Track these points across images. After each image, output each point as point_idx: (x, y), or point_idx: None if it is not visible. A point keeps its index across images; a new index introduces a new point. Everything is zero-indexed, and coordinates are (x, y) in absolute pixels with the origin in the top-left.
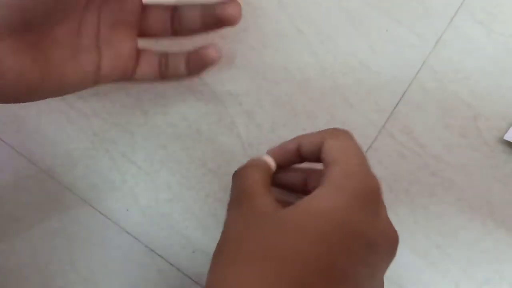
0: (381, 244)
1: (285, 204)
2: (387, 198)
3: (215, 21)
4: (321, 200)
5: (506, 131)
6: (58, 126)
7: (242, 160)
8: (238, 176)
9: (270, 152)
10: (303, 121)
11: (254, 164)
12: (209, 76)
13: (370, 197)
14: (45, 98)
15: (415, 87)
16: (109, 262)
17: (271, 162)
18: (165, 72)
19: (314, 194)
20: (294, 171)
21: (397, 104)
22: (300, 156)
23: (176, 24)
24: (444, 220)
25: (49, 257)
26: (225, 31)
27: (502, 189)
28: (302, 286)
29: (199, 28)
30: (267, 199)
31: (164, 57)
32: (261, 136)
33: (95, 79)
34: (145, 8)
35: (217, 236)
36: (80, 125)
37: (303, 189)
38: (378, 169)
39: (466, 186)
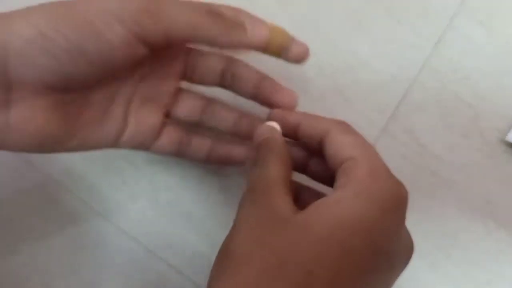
0: (402, 258)
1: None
2: None
3: (247, 129)
4: (346, 205)
5: (507, 131)
6: None
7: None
8: (259, 165)
9: (273, 117)
10: None
11: (277, 149)
12: None
13: (399, 204)
14: (61, 152)
15: (416, 87)
16: (109, 263)
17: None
18: (183, 152)
19: (336, 197)
20: (296, 147)
21: (398, 105)
22: (295, 133)
23: (207, 116)
24: (445, 221)
25: (49, 258)
26: None
27: (503, 189)
28: None
29: (229, 128)
30: (289, 199)
31: (187, 137)
32: None
33: (113, 145)
34: (181, 91)
35: (217, 238)
36: None
37: (303, 169)
38: None
39: (467, 187)
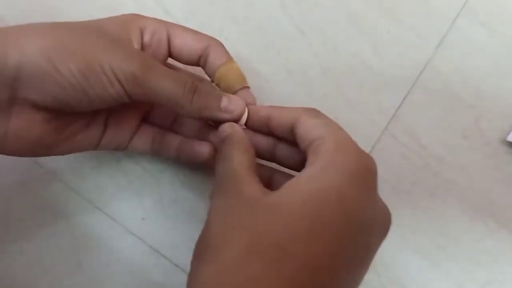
0: (377, 225)
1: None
2: (390, 198)
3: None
4: (315, 179)
5: (508, 132)
6: None
7: None
8: (222, 158)
9: (244, 107)
10: None
11: (237, 142)
12: None
13: (367, 174)
14: (45, 156)
15: (418, 88)
16: (114, 262)
17: (245, 116)
18: (156, 149)
19: (306, 173)
20: (261, 136)
21: (399, 105)
22: (267, 126)
23: (177, 123)
24: (446, 221)
25: (56, 257)
26: (227, 33)
27: (504, 189)
28: (305, 277)
29: (193, 134)
30: (255, 183)
31: (160, 135)
32: None
33: (94, 148)
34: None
35: None
36: None
37: (270, 157)
38: (380, 170)
39: (468, 187)
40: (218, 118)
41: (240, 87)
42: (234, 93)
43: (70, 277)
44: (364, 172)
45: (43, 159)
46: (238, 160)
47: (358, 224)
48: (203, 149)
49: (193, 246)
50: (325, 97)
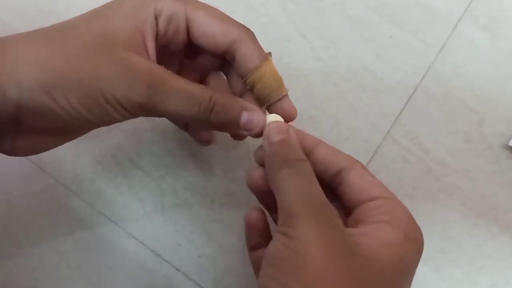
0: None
1: None
2: None
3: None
4: (400, 249)
5: (510, 137)
6: None
7: (247, 166)
8: (298, 176)
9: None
10: (308, 126)
11: (303, 159)
12: None
13: (422, 247)
14: None
15: (420, 92)
16: (116, 266)
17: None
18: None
19: (394, 240)
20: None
21: (401, 110)
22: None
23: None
24: (449, 225)
25: (58, 261)
26: None
27: (506, 194)
28: None
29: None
30: (340, 220)
31: None
32: None
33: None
34: None
35: (223, 241)
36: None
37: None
38: (382, 174)
39: (471, 191)
40: (239, 134)
41: (277, 97)
42: (272, 104)
43: (72, 282)
44: (422, 248)
45: (45, 164)
46: (319, 186)
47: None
48: (205, 136)
49: (194, 250)
50: (327, 102)
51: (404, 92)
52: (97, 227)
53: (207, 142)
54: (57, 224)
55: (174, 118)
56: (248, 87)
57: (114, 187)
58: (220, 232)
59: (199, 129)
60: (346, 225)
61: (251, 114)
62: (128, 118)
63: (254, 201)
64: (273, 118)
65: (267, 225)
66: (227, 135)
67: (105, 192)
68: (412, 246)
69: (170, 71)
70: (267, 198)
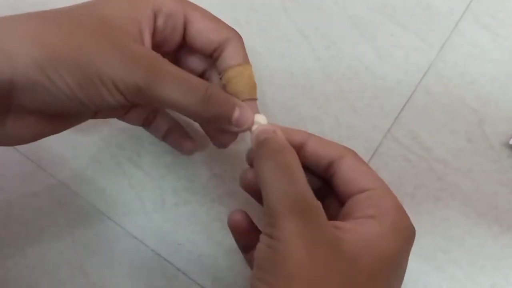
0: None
1: None
2: None
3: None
4: (386, 243)
5: (511, 136)
6: (66, 132)
7: (247, 165)
8: (281, 175)
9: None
10: (309, 126)
11: (293, 154)
12: None
13: (413, 236)
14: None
15: (420, 91)
16: (117, 266)
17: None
18: (146, 126)
19: (378, 233)
20: (294, 132)
21: (402, 109)
22: (298, 152)
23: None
24: (450, 225)
25: (58, 261)
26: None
27: (507, 193)
28: None
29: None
30: (324, 215)
31: (152, 115)
32: None
33: (92, 117)
34: None
35: (223, 240)
36: (87, 131)
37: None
38: (383, 174)
39: (472, 191)
40: (226, 129)
41: (247, 97)
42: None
43: (72, 281)
44: (412, 234)
45: (45, 163)
46: (303, 181)
47: (400, 279)
48: (187, 145)
49: (195, 249)
50: (328, 101)
51: (404, 92)
52: (97, 226)
53: (189, 151)
54: (57, 224)
55: (168, 106)
56: (223, 82)
57: (114, 187)
58: (220, 231)
59: (180, 137)
60: (338, 218)
61: (242, 111)
62: (121, 104)
63: (254, 201)
64: (259, 118)
65: (253, 226)
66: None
67: (105, 191)
68: (400, 238)
69: (167, 60)
70: (245, 240)
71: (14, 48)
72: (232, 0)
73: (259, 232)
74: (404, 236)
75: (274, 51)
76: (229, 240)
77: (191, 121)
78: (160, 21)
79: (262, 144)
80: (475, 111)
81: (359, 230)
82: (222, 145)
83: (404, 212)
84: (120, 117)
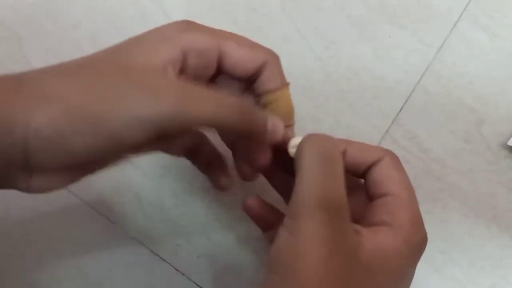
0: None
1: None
2: None
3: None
4: (399, 257)
5: (509, 136)
6: None
7: None
8: (323, 172)
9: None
10: (308, 126)
11: (340, 159)
12: None
13: (423, 249)
14: None
15: (419, 92)
16: (115, 266)
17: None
18: (191, 156)
19: (392, 246)
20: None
21: (400, 109)
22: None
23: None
24: (448, 225)
25: (56, 261)
26: None
27: (506, 194)
28: None
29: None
30: (349, 218)
31: (197, 146)
32: None
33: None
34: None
35: (222, 241)
36: None
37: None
38: None
39: (470, 191)
40: (261, 140)
41: (285, 124)
42: None
43: (70, 282)
44: (422, 249)
45: None
46: (341, 180)
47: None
48: (224, 180)
49: (193, 251)
50: (327, 101)
51: (403, 92)
52: (96, 227)
53: (223, 187)
54: (56, 225)
55: (201, 123)
56: (260, 106)
57: (113, 188)
58: (219, 232)
59: (220, 170)
60: (359, 218)
61: (274, 121)
62: (149, 140)
63: None
64: (298, 140)
65: (268, 208)
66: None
67: (104, 192)
68: (414, 253)
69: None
70: (262, 222)
71: (29, 98)
72: (231, 0)
73: (277, 212)
74: (417, 249)
75: (273, 51)
76: (228, 241)
77: None
78: (191, 60)
79: (311, 136)
80: (474, 112)
81: (375, 239)
82: (246, 176)
83: (421, 224)
84: (162, 150)
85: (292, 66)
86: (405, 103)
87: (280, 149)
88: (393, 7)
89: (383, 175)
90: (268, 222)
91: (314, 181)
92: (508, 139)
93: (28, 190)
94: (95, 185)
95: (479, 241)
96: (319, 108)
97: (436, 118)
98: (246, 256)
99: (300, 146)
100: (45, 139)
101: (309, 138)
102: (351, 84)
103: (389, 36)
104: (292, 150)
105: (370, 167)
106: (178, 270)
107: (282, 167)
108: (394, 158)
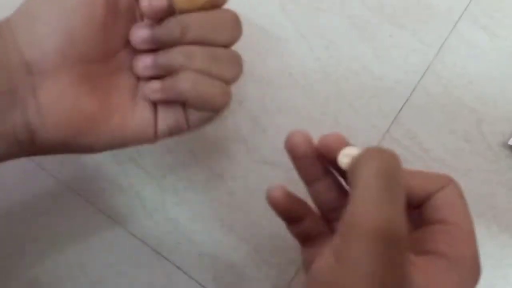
0: None
1: None
2: None
3: None
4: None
5: (510, 136)
6: None
7: (246, 165)
8: (394, 181)
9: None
10: (308, 126)
11: (402, 180)
12: None
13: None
14: (109, 143)
15: (419, 92)
16: (117, 265)
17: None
18: None
19: (450, 280)
20: None
21: (401, 109)
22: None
23: None
24: None
25: (58, 260)
26: None
27: (506, 194)
28: None
29: None
30: (407, 251)
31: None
32: (266, 141)
33: (153, 130)
34: None
35: (224, 240)
36: None
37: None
38: None
39: (470, 191)
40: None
41: None
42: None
43: (72, 280)
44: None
45: (44, 162)
46: (402, 207)
47: None
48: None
49: (195, 249)
50: (327, 101)
51: (403, 92)
52: (98, 225)
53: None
54: (57, 223)
55: None
56: None
57: (115, 186)
58: (221, 230)
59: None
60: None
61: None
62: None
63: (254, 201)
64: (352, 150)
65: (295, 200)
66: (226, 137)
67: (106, 190)
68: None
69: None
70: (287, 215)
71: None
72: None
73: (304, 205)
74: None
75: (272, 51)
76: (230, 240)
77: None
78: None
79: (373, 150)
80: (474, 111)
81: (430, 271)
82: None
83: (479, 264)
84: (187, 128)
85: (292, 66)
86: (405, 103)
87: (327, 157)
88: (393, 7)
89: (445, 201)
90: (294, 216)
91: (373, 204)
92: (509, 138)
93: (38, 110)
94: (97, 183)
95: (479, 241)
96: (319, 108)
97: (437, 118)
98: (247, 254)
99: (359, 160)
100: (24, 19)
101: (371, 153)
102: (350, 84)
103: (389, 36)
104: (343, 159)
105: (428, 196)
106: (179, 269)
107: (327, 173)
108: (457, 185)
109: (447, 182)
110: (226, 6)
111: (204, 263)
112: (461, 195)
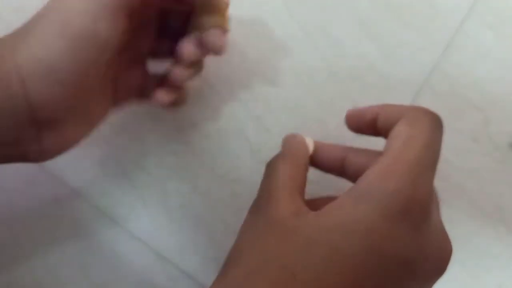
0: (422, 267)
1: (317, 204)
2: None
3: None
4: (343, 212)
5: None
6: None
7: (250, 166)
8: (268, 171)
9: (347, 115)
10: (312, 125)
11: (290, 154)
12: (218, 82)
13: (409, 209)
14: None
15: (425, 91)
16: (120, 267)
17: (310, 146)
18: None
19: (339, 203)
20: (333, 149)
21: None
22: (375, 128)
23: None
24: (455, 226)
25: (60, 262)
26: (233, 36)
27: None
28: None
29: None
30: (290, 204)
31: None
32: (270, 141)
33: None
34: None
35: (227, 242)
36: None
37: (340, 171)
38: None
39: (477, 191)
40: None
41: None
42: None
43: (74, 282)
44: (404, 206)
45: (48, 165)
46: (284, 177)
47: (389, 263)
48: (162, 97)
49: (198, 252)
50: (332, 100)
51: (409, 91)
52: (101, 228)
53: (166, 104)
54: (60, 225)
55: None
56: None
57: (118, 188)
58: (224, 233)
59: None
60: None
61: None
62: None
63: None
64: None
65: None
66: (228, 136)
67: (109, 193)
68: (366, 205)
69: None
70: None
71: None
72: None
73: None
74: (379, 203)
75: (277, 50)
76: (233, 242)
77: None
78: None
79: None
80: (481, 111)
81: (327, 205)
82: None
83: (402, 176)
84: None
85: (297, 65)
86: (411, 102)
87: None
88: (399, 6)
89: (391, 135)
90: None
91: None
92: None
93: (41, 151)
94: (100, 185)
95: (486, 242)
96: (324, 108)
97: (443, 117)
98: None
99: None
100: (35, 63)
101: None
102: (356, 83)
103: (395, 35)
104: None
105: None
106: (183, 271)
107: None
108: (415, 113)
109: (405, 113)
110: (231, 4)
111: (207, 265)
112: (413, 125)
